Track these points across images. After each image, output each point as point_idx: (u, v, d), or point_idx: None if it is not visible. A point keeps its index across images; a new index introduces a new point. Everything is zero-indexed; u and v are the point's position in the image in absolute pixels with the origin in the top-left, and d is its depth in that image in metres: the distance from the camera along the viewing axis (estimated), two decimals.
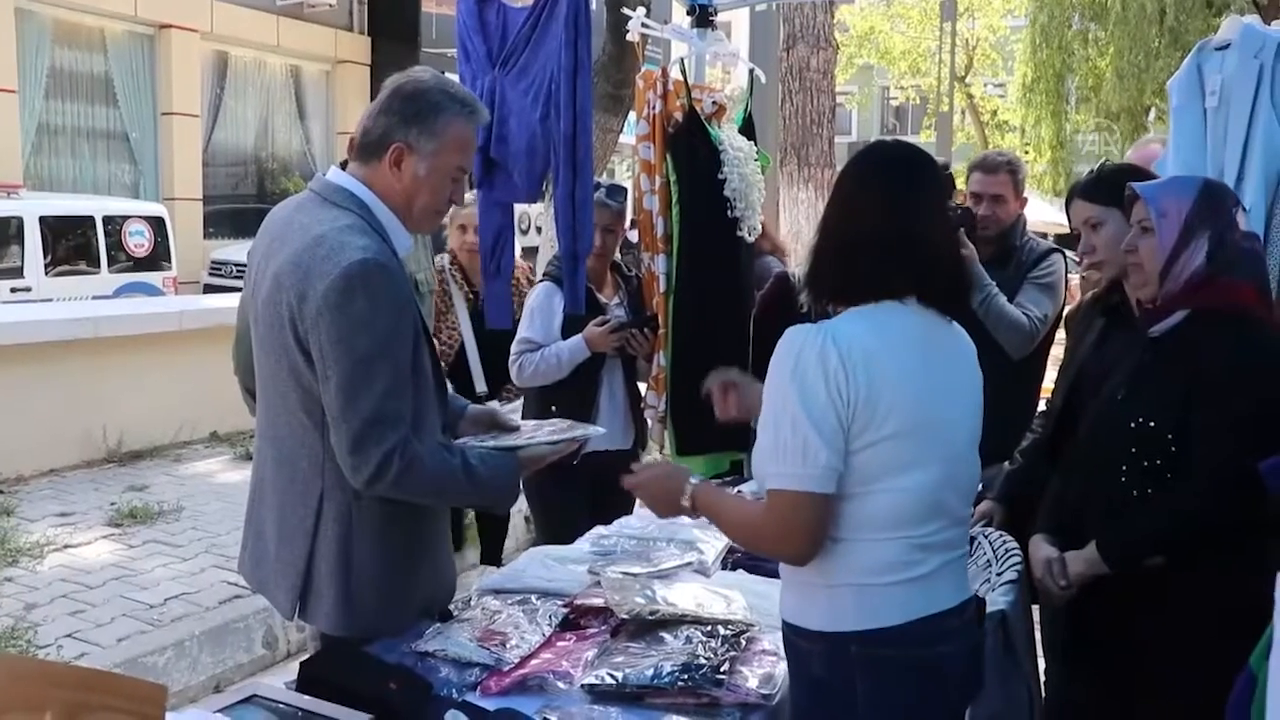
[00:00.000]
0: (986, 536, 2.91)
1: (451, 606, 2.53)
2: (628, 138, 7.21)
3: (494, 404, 2.78)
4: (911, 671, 1.94)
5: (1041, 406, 3.26)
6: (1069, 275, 3.97)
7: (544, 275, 3.97)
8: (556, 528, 3.59)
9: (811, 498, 1.86)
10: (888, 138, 2.20)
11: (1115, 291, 2.86)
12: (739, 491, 3.47)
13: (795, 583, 2.03)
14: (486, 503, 2.37)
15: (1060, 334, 4.03)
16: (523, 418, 4.08)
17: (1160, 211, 2.40)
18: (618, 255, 4.12)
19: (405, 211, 2.29)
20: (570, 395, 3.82)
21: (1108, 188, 2.81)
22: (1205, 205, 2.38)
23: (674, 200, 3.74)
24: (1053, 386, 3.04)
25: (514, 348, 3.87)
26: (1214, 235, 2.35)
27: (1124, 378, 2.48)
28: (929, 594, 1.96)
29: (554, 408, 3.84)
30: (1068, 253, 4.26)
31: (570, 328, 3.80)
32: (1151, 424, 2.33)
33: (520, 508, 6.47)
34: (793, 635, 2.04)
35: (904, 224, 1.96)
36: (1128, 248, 2.48)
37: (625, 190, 3.95)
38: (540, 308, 3.86)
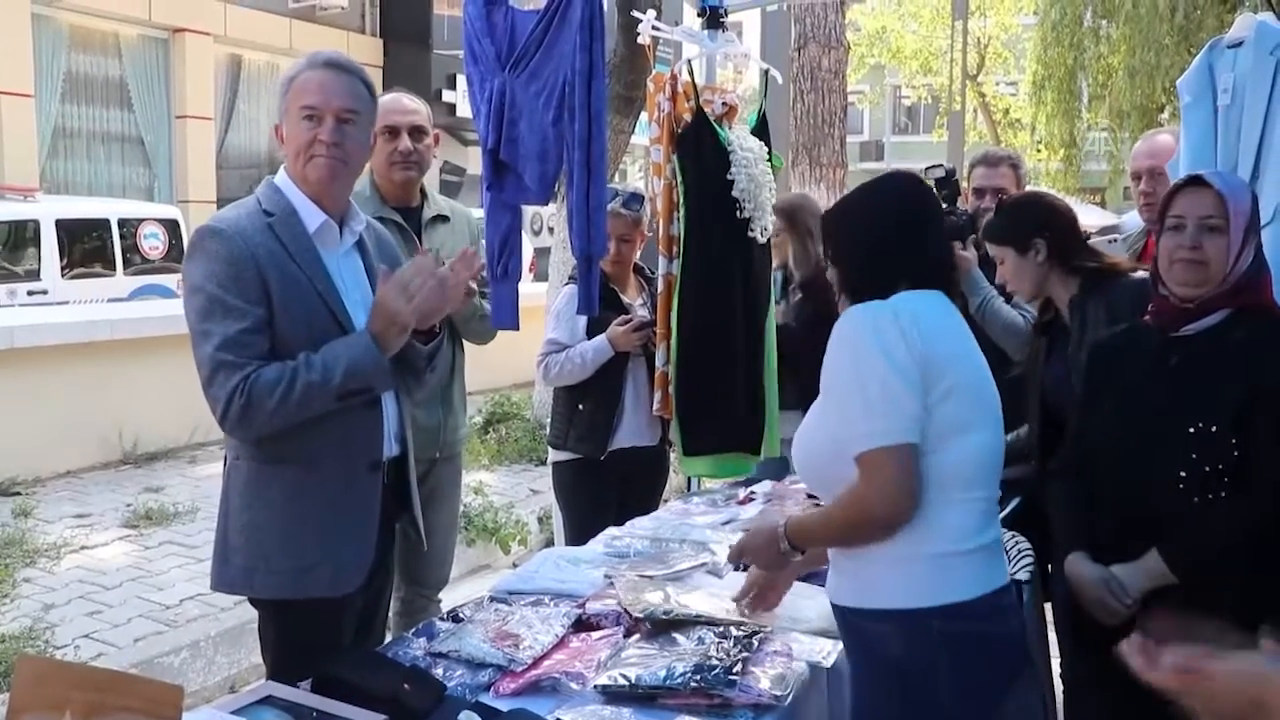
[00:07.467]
0: None
1: (465, 607, 2.54)
2: (640, 138, 7.22)
3: None
4: (988, 647, 2.00)
5: None
6: None
7: (569, 278, 3.99)
8: (586, 526, 3.61)
9: (902, 450, 1.94)
10: (900, 169, 2.41)
11: (1047, 310, 3.07)
12: (751, 493, 3.49)
13: (859, 563, 2.06)
14: (356, 382, 2.28)
15: None
16: (551, 418, 4.09)
17: (1236, 211, 2.36)
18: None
19: (300, 178, 2.42)
20: (596, 394, 3.86)
21: (999, 227, 3.06)
22: (1254, 205, 2.43)
23: (682, 201, 3.74)
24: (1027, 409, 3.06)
25: (541, 349, 3.91)
26: (1257, 234, 2.40)
27: (1160, 383, 2.40)
28: (993, 567, 2.05)
29: (580, 406, 3.87)
30: None
31: (595, 328, 3.82)
32: (1213, 428, 2.25)
33: (534, 508, 6.51)
34: (858, 619, 2.07)
35: (914, 245, 2.16)
36: (1193, 243, 2.36)
37: (643, 198, 3.95)
38: (565, 310, 3.88)
